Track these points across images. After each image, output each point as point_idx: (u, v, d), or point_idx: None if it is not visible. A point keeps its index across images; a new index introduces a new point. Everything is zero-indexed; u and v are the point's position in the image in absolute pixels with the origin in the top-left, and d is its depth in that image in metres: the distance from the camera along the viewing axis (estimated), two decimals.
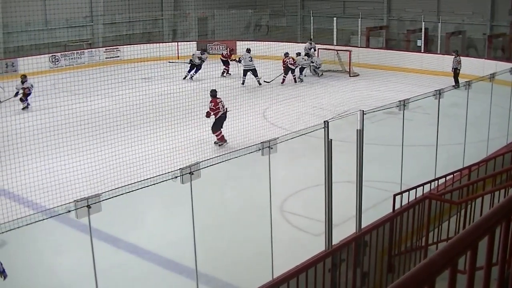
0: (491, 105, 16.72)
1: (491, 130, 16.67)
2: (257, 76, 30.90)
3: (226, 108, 19.97)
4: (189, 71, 32.21)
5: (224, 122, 19.85)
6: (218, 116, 19.82)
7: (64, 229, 12.61)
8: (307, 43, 36.63)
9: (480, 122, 17.10)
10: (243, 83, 30.78)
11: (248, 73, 30.76)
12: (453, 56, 30.47)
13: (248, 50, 31.49)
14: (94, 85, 22.02)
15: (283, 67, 31.62)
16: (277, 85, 30.28)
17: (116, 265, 12.00)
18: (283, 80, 31.35)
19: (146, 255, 12.61)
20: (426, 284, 2.33)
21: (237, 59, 32.47)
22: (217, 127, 19.86)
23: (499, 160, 13.34)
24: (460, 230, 9.18)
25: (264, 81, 30.96)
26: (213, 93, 20.18)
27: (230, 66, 33.54)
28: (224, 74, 33.55)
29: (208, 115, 19.89)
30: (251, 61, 31.13)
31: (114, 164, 16.40)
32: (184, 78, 31.64)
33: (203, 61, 32.37)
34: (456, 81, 28.49)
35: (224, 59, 34.16)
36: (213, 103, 19.82)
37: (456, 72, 29.79)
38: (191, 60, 32.65)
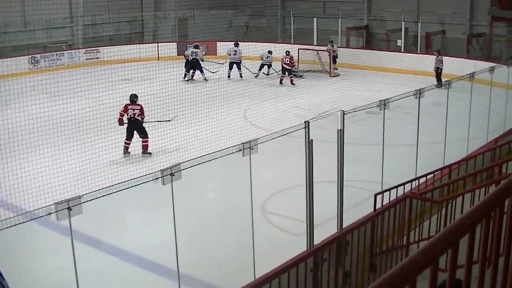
0: (471, 104, 16.80)
1: (471, 129, 16.76)
2: (240, 69, 31.08)
3: (135, 116, 19.02)
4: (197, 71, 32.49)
5: (135, 131, 19.17)
6: (122, 123, 19.10)
7: (45, 232, 12.55)
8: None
9: (460, 121, 17.19)
10: (228, 76, 31.08)
11: (234, 66, 31.16)
12: (435, 56, 30.56)
13: (236, 44, 31.64)
14: (74, 86, 21.96)
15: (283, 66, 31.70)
16: (258, 85, 30.28)
17: (97, 267, 11.93)
18: (281, 79, 31.51)
19: (128, 257, 12.56)
20: (407, 283, 2.32)
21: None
22: (127, 135, 19.02)
23: (479, 159, 13.40)
24: (441, 229, 9.21)
25: (253, 74, 31.32)
26: (132, 98, 19.31)
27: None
28: (186, 78, 32.40)
29: (120, 122, 19.13)
30: (235, 54, 31.25)
31: (95, 166, 16.36)
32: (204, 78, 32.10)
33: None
34: (439, 80, 28.57)
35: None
36: (123, 109, 19.16)
37: (438, 72, 29.90)
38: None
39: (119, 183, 8.16)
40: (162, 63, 32.92)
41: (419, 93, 13.92)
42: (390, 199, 11.34)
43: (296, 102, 25.95)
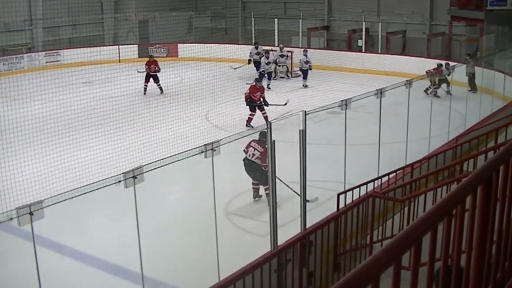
0: (431, 103, 16.95)
1: (433, 128, 16.90)
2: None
3: None
4: None
5: None
6: None
7: (6, 237, 12.40)
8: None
9: (421, 120, 17.32)
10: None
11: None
12: (466, 59, 28.69)
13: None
14: (34, 90, 21.73)
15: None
16: (219, 86, 30.25)
17: (61, 272, 11.83)
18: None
19: (91, 261, 12.47)
20: (371, 282, 2.33)
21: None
22: None
23: (441, 157, 13.50)
24: (404, 227, 9.28)
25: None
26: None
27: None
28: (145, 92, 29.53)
29: None
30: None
31: (57, 170, 16.20)
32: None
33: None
34: (473, 85, 27.15)
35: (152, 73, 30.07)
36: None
37: (470, 77, 27.73)
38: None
39: (81, 187, 8.09)
40: (123, 65, 32.63)
41: (380, 92, 13.99)
42: (353, 199, 11.38)
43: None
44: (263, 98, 23.33)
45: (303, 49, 32.69)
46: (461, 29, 37.12)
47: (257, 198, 15.34)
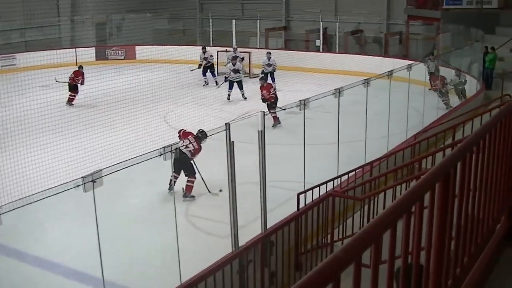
0: (390, 101, 17.05)
1: (391, 126, 17.03)
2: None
3: None
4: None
5: None
6: None
7: None
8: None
9: (380, 119, 17.43)
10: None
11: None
12: (429, 58, 27.74)
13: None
14: None
15: None
16: (178, 88, 30.18)
17: (20, 280, 11.69)
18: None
19: (52, 267, 12.31)
20: (332, 280, 2.33)
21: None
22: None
23: (400, 155, 13.63)
24: (364, 226, 9.34)
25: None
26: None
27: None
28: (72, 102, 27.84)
29: None
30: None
31: (14, 175, 16.01)
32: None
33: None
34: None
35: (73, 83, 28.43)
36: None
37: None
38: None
39: (39, 192, 8.02)
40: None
41: (338, 92, 14.07)
42: (313, 198, 11.43)
43: (216, 104, 25.94)
44: (275, 93, 23.56)
45: (266, 51, 32.44)
46: (418, 28, 37.48)
47: (171, 191, 15.51)
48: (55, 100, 23.87)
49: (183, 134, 16.28)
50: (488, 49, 27.95)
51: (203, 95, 27.82)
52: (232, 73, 28.31)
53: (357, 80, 15.82)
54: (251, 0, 45.36)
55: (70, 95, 27.65)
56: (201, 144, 15.68)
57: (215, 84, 30.80)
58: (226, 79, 28.34)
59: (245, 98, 28.21)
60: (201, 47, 34.02)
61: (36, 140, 18.55)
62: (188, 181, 15.56)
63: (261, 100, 23.39)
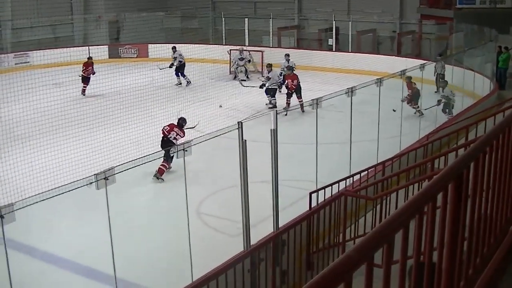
0: (402, 101, 17.03)
1: (403, 126, 16.98)
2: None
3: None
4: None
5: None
6: None
7: None
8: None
9: (392, 118, 17.39)
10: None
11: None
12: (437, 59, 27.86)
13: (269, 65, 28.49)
14: (3, 92, 21.51)
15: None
16: (190, 87, 30.24)
17: (32, 275, 11.72)
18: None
19: (63, 263, 12.36)
20: (343, 280, 2.33)
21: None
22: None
23: (412, 155, 13.59)
24: (376, 225, 9.32)
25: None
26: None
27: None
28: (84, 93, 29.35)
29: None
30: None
31: (27, 172, 16.05)
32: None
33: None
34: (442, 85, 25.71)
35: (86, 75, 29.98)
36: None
37: (438, 77, 26.72)
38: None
39: (52, 189, 8.04)
40: (94, 66, 32.37)
41: (351, 91, 14.04)
42: (325, 197, 11.42)
43: (228, 103, 25.88)
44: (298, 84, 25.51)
45: (285, 54, 31.89)
46: (430, 28, 37.38)
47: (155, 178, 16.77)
48: (69, 98, 23.98)
49: (169, 128, 17.67)
50: (502, 48, 27.82)
51: (214, 94, 27.77)
52: (267, 80, 26.93)
53: (369, 80, 15.79)
54: None
55: (83, 86, 29.34)
56: (184, 130, 17.68)
57: (186, 84, 31.88)
58: (261, 87, 27.36)
59: (272, 107, 25.02)
60: (172, 46, 33.52)
61: (48, 138, 18.59)
62: (162, 164, 16.47)
63: (284, 87, 26.10)
